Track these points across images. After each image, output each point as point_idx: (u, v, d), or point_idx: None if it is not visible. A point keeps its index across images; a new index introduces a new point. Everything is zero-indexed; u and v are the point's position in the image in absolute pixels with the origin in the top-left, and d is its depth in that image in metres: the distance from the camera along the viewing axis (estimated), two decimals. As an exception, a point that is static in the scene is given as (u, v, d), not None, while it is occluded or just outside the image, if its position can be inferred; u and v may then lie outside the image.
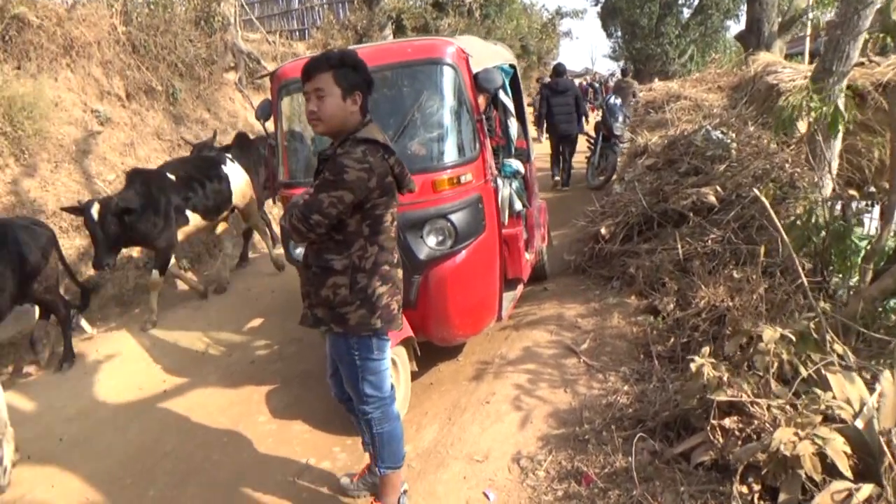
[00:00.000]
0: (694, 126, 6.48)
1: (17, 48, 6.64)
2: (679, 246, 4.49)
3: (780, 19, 9.99)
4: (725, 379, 2.64)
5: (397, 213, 2.51)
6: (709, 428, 2.58)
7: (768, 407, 2.51)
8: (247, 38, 11.29)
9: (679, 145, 5.94)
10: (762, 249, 3.67)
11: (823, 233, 3.57)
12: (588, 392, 3.48)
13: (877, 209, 4.38)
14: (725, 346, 3.13)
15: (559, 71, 9.69)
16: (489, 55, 4.30)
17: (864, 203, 4.84)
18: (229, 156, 6.31)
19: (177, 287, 6.21)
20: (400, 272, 2.53)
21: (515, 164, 4.42)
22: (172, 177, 5.46)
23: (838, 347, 2.75)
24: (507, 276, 4.15)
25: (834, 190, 4.47)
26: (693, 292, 3.96)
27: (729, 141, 5.64)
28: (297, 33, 15.40)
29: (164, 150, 7.68)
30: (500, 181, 3.96)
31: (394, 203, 2.43)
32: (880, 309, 3.14)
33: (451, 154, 3.55)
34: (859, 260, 3.49)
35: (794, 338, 2.75)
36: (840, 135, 4.60)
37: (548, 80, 10.36)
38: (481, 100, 3.91)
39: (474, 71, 3.63)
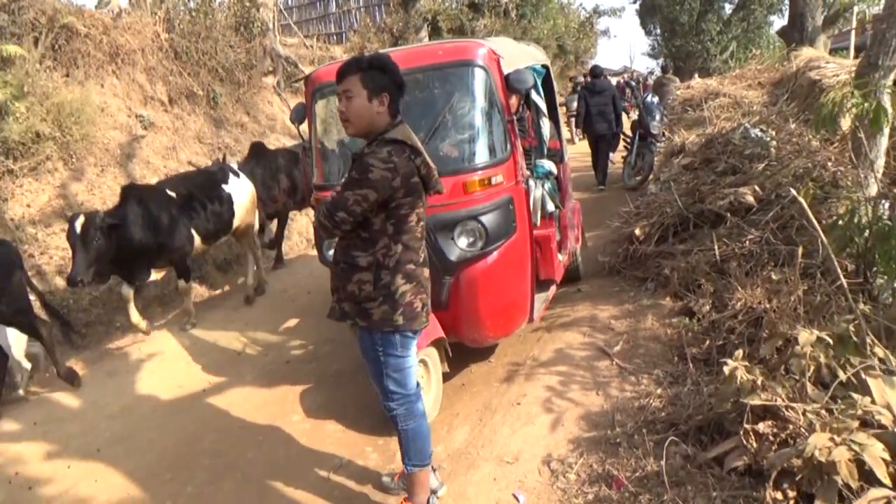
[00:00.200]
0: (732, 124, 6.35)
1: (65, 56, 6.93)
2: (716, 247, 4.41)
3: (824, 13, 9.73)
4: (760, 382, 2.59)
5: (427, 214, 2.54)
6: (742, 432, 2.53)
7: (804, 412, 2.46)
8: (285, 43, 11.52)
9: (716, 144, 5.85)
10: (800, 250, 3.58)
11: (867, 233, 3.46)
12: (620, 395, 3.46)
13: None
14: (761, 349, 3.07)
15: (596, 73, 9.90)
16: (521, 56, 4.29)
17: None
18: (235, 168, 6.02)
19: (216, 289, 6.35)
20: (426, 271, 2.56)
21: (548, 164, 4.41)
22: (172, 193, 5.20)
23: (879, 351, 2.67)
24: (539, 277, 4.13)
25: (879, 189, 4.32)
26: (729, 294, 3.89)
27: (768, 139, 5.51)
28: (335, 37, 15.63)
29: (205, 153, 7.88)
30: (531, 182, 3.95)
31: (420, 203, 2.46)
32: (926, 312, 3.04)
33: (482, 155, 3.56)
34: (904, 261, 3.37)
35: (831, 341, 2.68)
36: (886, 132, 4.45)
37: (581, 78, 10.70)
38: (513, 101, 3.90)
39: (506, 72, 3.62)
